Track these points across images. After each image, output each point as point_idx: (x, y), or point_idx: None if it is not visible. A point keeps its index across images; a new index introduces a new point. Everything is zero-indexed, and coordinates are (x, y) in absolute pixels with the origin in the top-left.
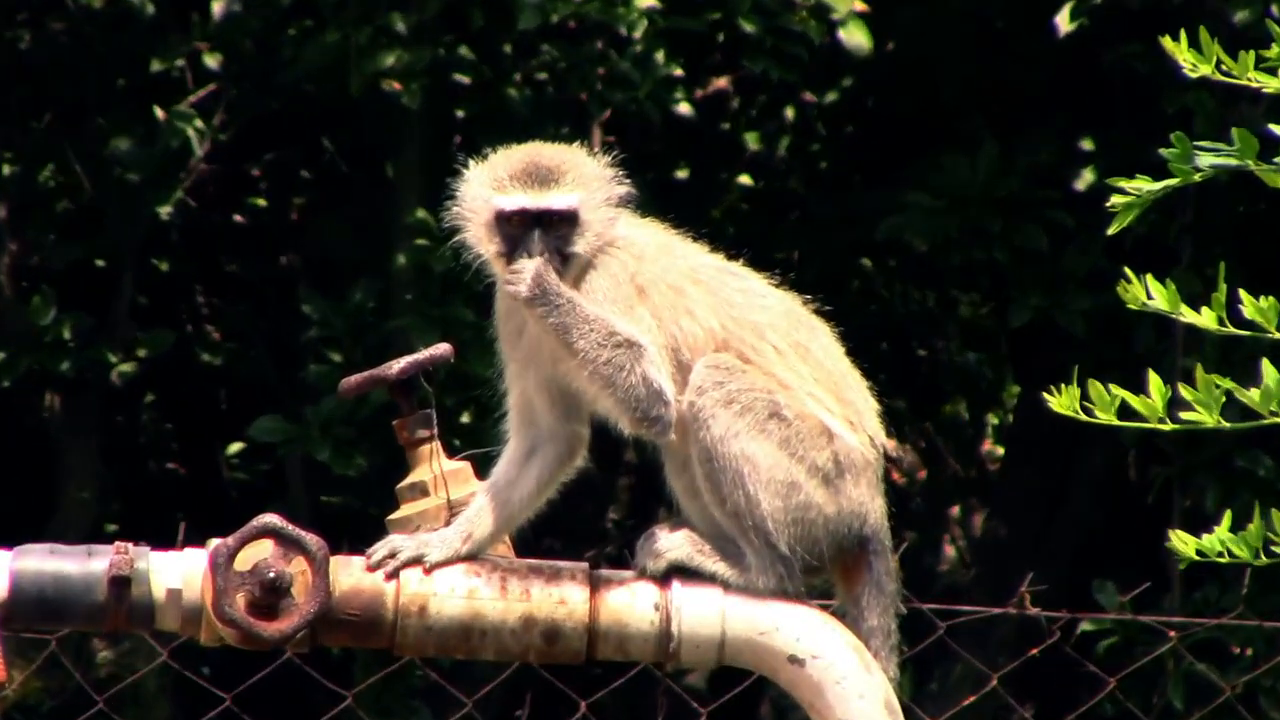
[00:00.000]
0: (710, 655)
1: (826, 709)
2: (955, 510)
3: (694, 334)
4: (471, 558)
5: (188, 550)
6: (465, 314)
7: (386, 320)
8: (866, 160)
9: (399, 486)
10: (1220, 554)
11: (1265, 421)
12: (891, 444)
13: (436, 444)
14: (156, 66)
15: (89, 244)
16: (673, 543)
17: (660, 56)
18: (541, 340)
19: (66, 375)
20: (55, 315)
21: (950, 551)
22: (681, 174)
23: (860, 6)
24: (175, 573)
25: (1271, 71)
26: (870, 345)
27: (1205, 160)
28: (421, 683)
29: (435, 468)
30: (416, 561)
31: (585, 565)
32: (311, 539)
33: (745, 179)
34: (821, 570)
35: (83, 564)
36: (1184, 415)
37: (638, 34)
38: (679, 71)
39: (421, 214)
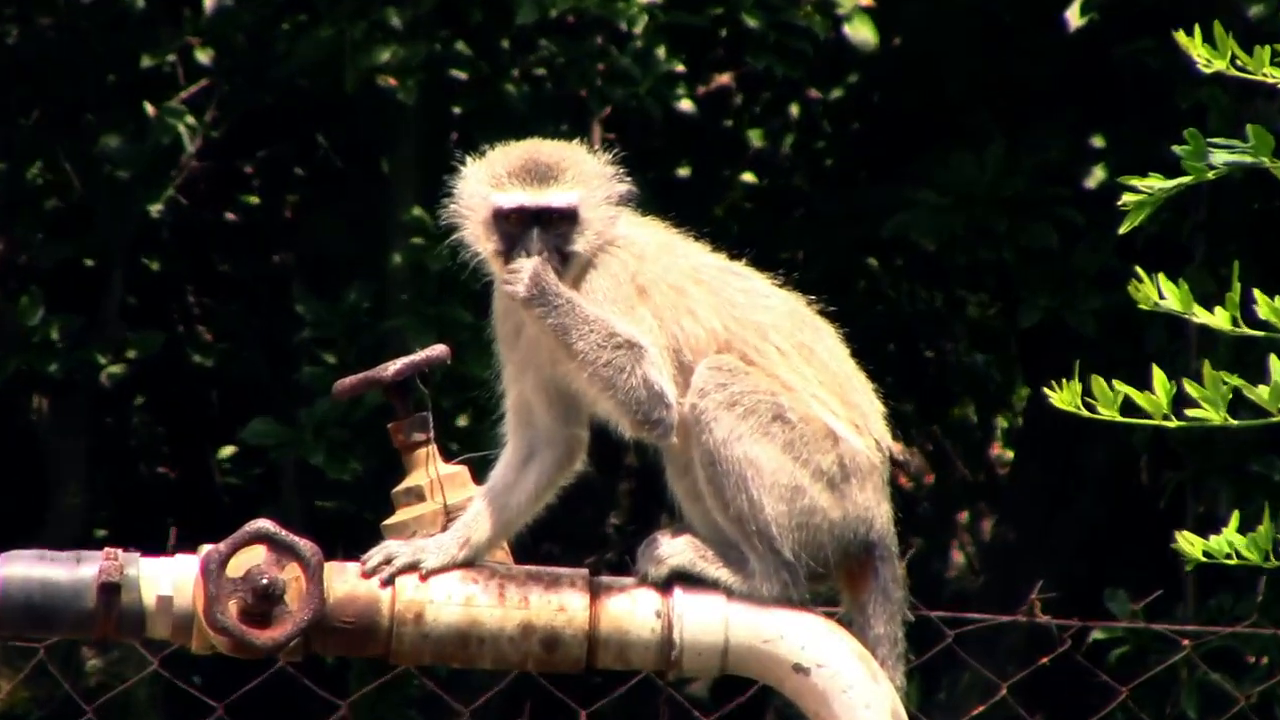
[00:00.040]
0: (713, 663)
1: (832, 719)
2: (963, 515)
3: (696, 335)
4: (469, 564)
5: (179, 556)
6: (462, 314)
7: (382, 321)
8: (872, 158)
9: (394, 491)
10: (1228, 555)
11: (1274, 419)
12: (898, 447)
13: (433, 447)
14: (147, 62)
15: (78, 243)
16: (674, 548)
17: (661, 52)
18: (540, 341)
19: (55, 377)
20: (43, 315)
21: (958, 557)
22: (683, 172)
23: (866, 1)
24: (166, 579)
25: None
26: (876, 346)
27: (1219, 157)
28: (418, 692)
29: (431, 472)
30: (412, 568)
31: (585, 571)
32: (305, 545)
33: (748, 177)
34: (826, 577)
35: (71, 570)
36: (1190, 412)
37: (638, 29)
38: (680, 67)
39: (418, 212)
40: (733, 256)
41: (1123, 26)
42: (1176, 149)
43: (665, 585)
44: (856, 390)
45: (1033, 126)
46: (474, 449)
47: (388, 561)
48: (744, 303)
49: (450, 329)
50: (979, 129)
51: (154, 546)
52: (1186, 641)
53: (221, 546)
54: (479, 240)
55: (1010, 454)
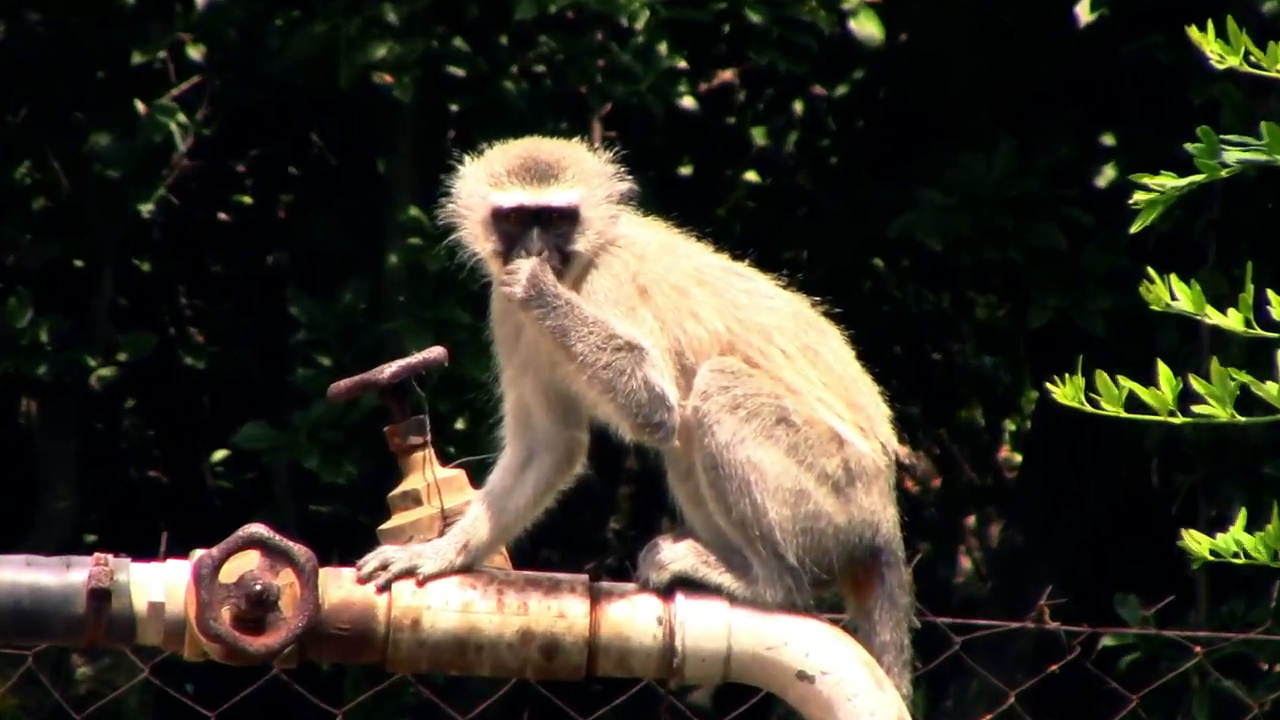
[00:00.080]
0: (715, 671)
1: None
2: (971, 520)
3: (698, 337)
4: (467, 569)
5: (170, 562)
6: (460, 316)
7: (378, 322)
8: (878, 156)
9: (391, 495)
10: (1236, 554)
11: None
12: (904, 451)
13: (430, 451)
14: (137, 59)
15: (67, 243)
16: (676, 554)
17: (663, 48)
18: (539, 343)
19: (44, 379)
20: (32, 317)
21: (966, 563)
22: (685, 170)
23: None
24: (157, 585)
25: None
26: (882, 348)
27: (1232, 155)
28: (414, 700)
29: (428, 476)
30: (409, 573)
31: (585, 577)
32: (299, 550)
33: (751, 175)
34: (831, 582)
35: (61, 576)
36: (1196, 409)
37: (639, 24)
38: (682, 64)
39: (414, 211)
40: (736, 257)
41: (1133, 22)
42: (1189, 146)
43: (667, 591)
44: (862, 393)
45: (1041, 124)
46: (472, 452)
47: (384, 567)
48: (747, 304)
49: (448, 331)
50: (986, 127)
51: (145, 552)
52: (1198, 648)
53: (214, 552)
54: (477, 240)
55: (1019, 457)
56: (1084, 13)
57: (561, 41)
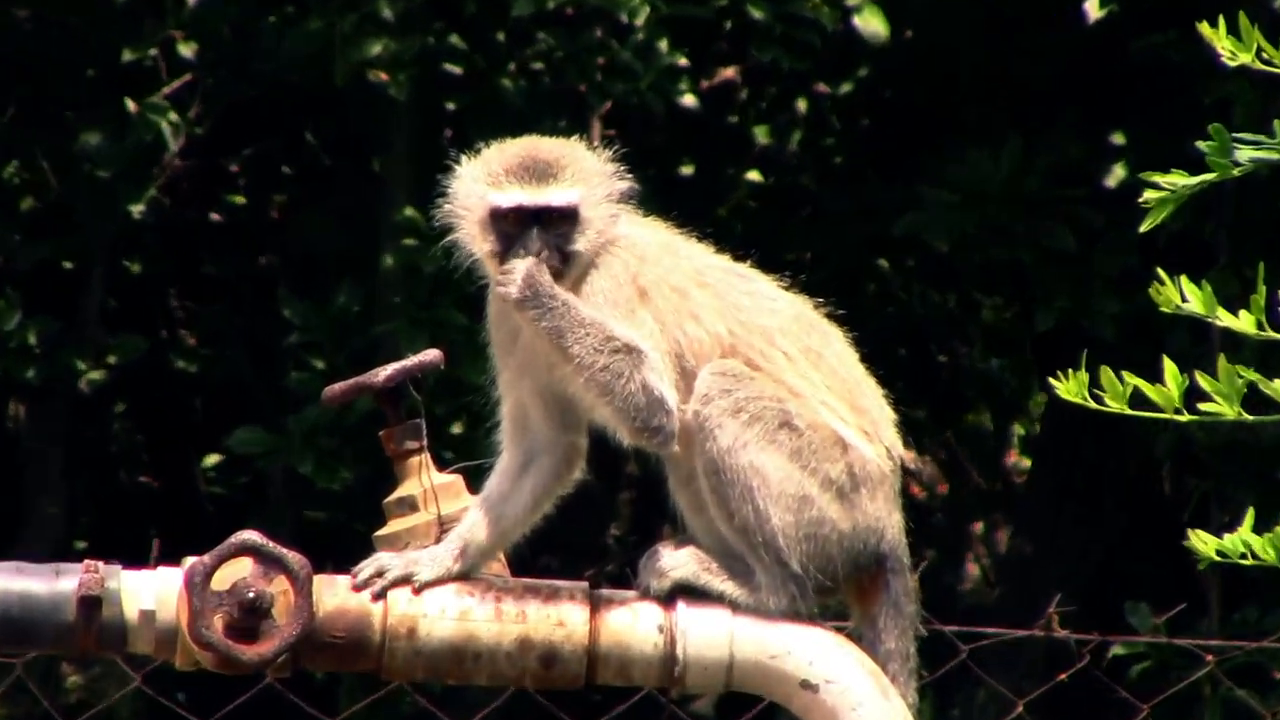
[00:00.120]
0: (718, 680)
1: None
2: (978, 526)
3: (699, 339)
4: (464, 577)
5: (162, 569)
6: (457, 317)
7: (373, 324)
8: (883, 154)
9: (386, 501)
10: (1243, 555)
11: None
12: (910, 455)
13: (426, 456)
14: (128, 56)
15: (56, 244)
16: (678, 560)
17: (663, 45)
18: (536, 346)
19: (32, 383)
20: (20, 319)
21: (973, 570)
22: (686, 170)
23: None
24: (148, 593)
25: None
26: (887, 350)
27: (1244, 154)
28: (410, 709)
29: (425, 481)
30: (405, 581)
31: (585, 584)
32: (293, 557)
33: (754, 175)
34: (836, 590)
35: (50, 583)
36: (1203, 406)
37: (639, 21)
38: (683, 61)
39: (410, 211)
40: (737, 258)
41: (1143, 19)
42: (1200, 144)
43: (668, 599)
44: (866, 396)
45: (1049, 123)
46: (469, 457)
47: (380, 574)
48: (749, 306)
49: (444, 333)
50: (993, 125)
51: (136, 558)
52: (1210, 657)
53: (206, 559)
54: (474, 241)
55: (1027, 462)
56: (1093, 9)
57: (560, 38)
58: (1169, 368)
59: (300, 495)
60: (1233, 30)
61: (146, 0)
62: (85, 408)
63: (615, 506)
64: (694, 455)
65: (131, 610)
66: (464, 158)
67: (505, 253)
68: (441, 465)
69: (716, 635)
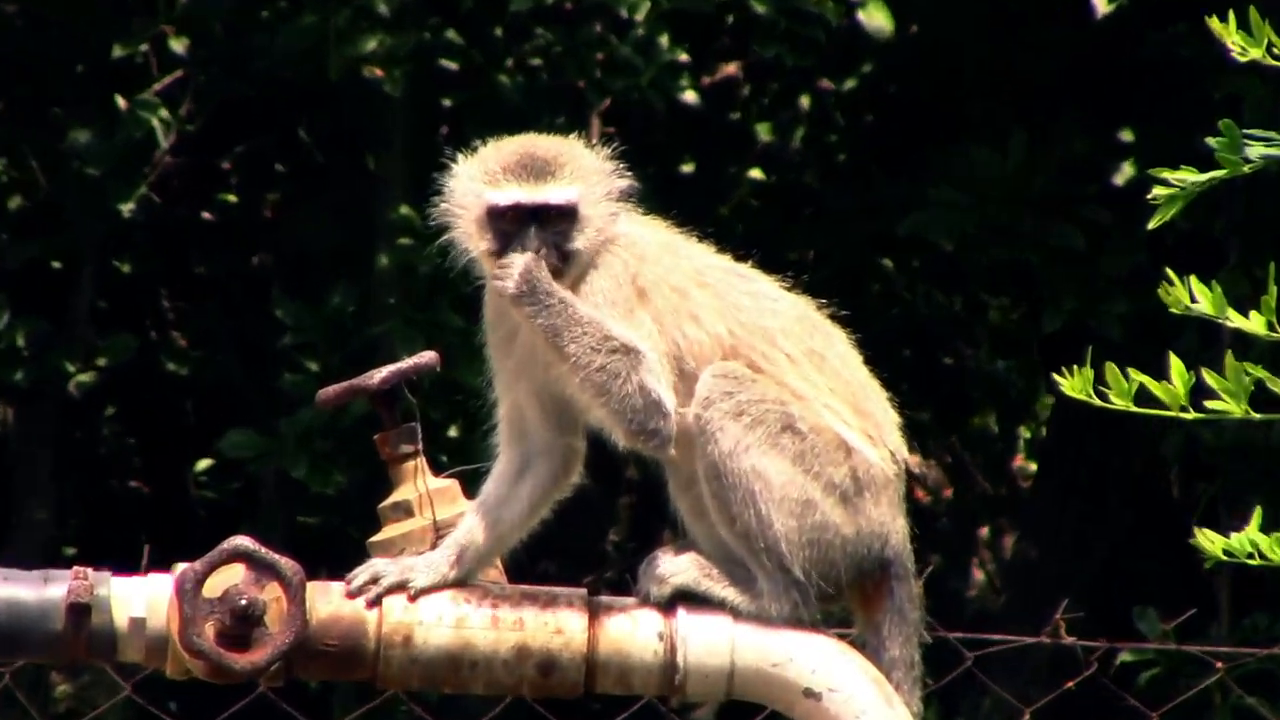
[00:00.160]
0: (719, 688)
1: None
2: (984, 531)
3: (699, 341)
4: (460, 583)
5: (152, 575)
6: (453, 319)
7: (368, 326)
8: (887, 152)
9: (381, 506)
10: (1250, 555)
11: None
12: (914, 459)
13: (421, 460)
14: (119, 52)
15: (45, 243)
16: (678, 566)
17: (664, 40)
18: (534, 347)
19: (21, 385)
20: (9, 320)
21: (978, 575)
22: (687, 168)
23: None
24: (139, 600)
25: None
26: (891, 352)
27: (1255, 151)
28: (406, 718)
29: (420, 486)
30: (400, 587)
31: (583, 591)
32: (286, 563)
33: (756, 173)
34: (839, 596)
35: (38, 590)
36: (1209, 404)
37: (640, 16)
38: (684, 57)
39: (406, 210)
40: (738, 257)
41: (1152, 13)
42: (1210, 141)
43: (668, 605)
44: (870, 399)
45: (1057, 119)
46: (465, 461)
47: (374, 581)
48: (750, 306)
49: (440, 334)
50: (1000, 122)
51: (126, 565)
52: (1220, 664)
53: (197, 565)
54: (471, 240)
55: (1033, 466)
56: (1101, 3)
57: (559, 34)
58: (1175, 365)
59: (293, 500)
60: (1243, 25)
61: None
62: (74, 410)
63: (615, 511)
64: (695, 459)
65: (121, 618)
66: (461, 155)
67: (503, 252)
68: (437, 469)
69: (717, 642)
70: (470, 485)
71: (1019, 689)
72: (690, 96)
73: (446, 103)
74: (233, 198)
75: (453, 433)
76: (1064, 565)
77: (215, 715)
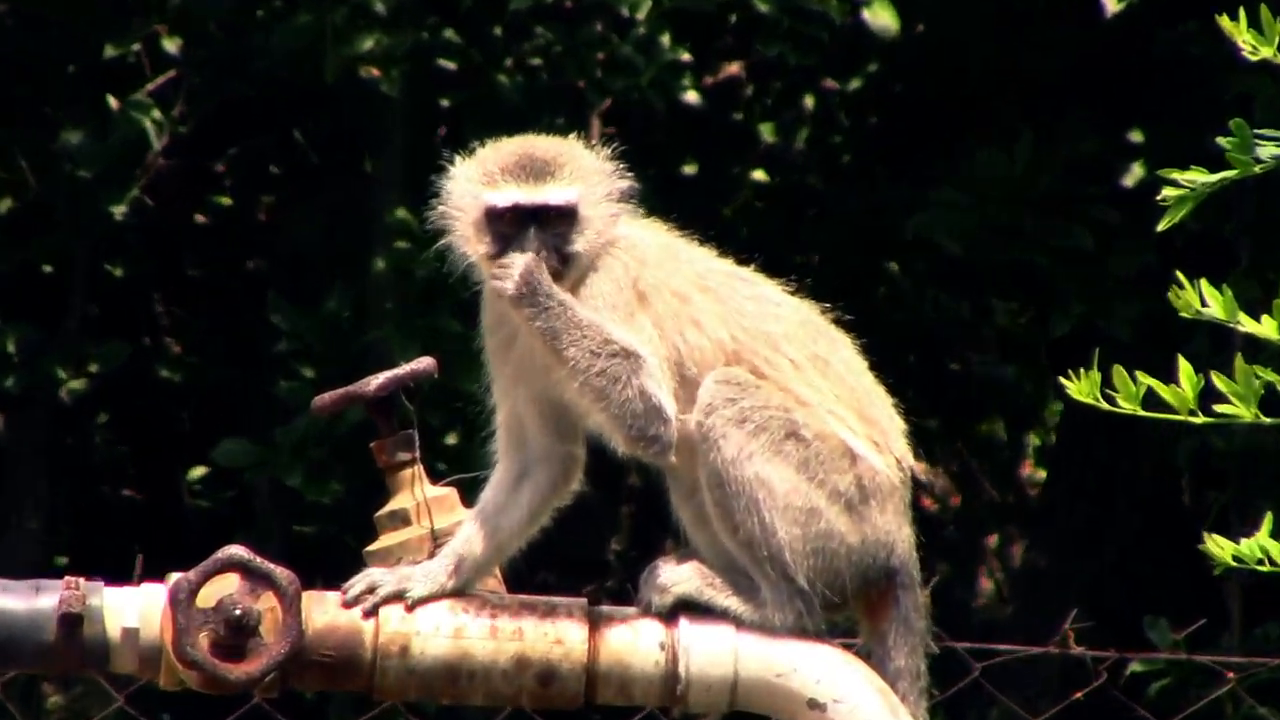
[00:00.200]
0: (721, 698)
1: None
2: (992, 539)
3: (701, 346)
4: (458, 593)
5: (145, 585)
6: (451, 324)
7: (364, 331)
8: (893, 153)
9: (378, 514)
10: (1260, 561)
11: None
12: (921, 466)
13: (419, 468)
14: (110, 52)
15: (36, 245)
16: (680, 575)
17: (665, 40)
18: (533, 353)
19: (12, 392)
20: None
21: (986, 585)
22: (689, 169)
23: None
24: (132, 610)
25: None
26: (897, 357)
27: (1267, 151)
28: None
29: (417, 494)
30: (397, 597)
31: (584, 601)
32: (281, 573)
33: (759, 174)
34: (844, 605)
35: (29, 600)
36: (1219, 408)
37: (641, 15)
38: (686, 56)
39: (403, 213)
40: (741, 261)
41: (1162, 11)
42: (1221, 140)
43: (670, 615)
44: (876, 405)
45: (1065, 119)
46: (463, 469)
47: (371, 590)
48: (753, 311)
49: (438, 340)
50: (1008, 122)
51: (119, 574)
52: (1231, 674)
53: (191, 575)
54: (469, 243)
55: (1042, 473)
56: (1111, 2)
57: (559, 33)
58: (1184, 368)
59: (289, 509)
60: (1254, 23)
61: None
62: (66, 417)
63: (615, 520)
64: (697, 467)
65: (114, 628)
66: (458, 157)
67: (501, 255)
68: (435, 477)
69: (720, 652)
70: (469, 493)
71: (1027, 700)
72: (692, 96)
73: (444, 103)
74: (227, 200)
75: (451, 440)
76: (1073, 574)
77: None
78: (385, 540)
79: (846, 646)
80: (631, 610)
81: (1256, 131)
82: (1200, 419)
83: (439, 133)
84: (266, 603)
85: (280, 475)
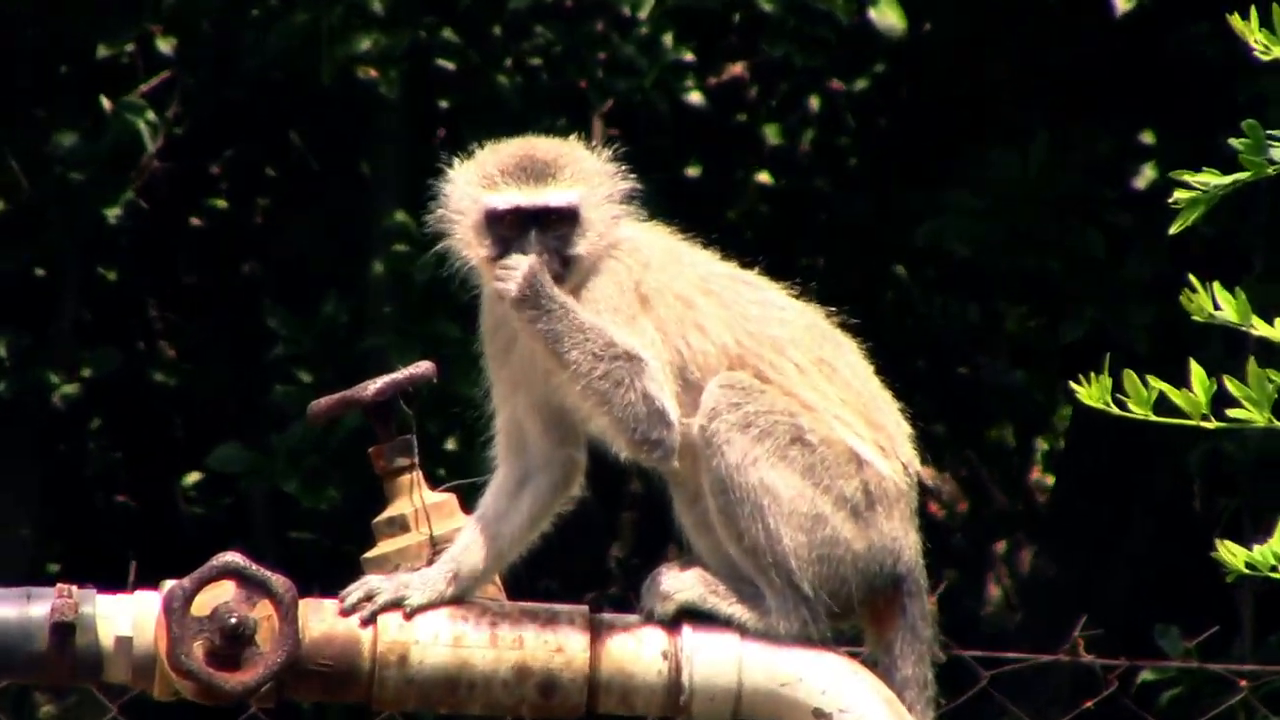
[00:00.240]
0: (726, 708)
1: None
2: (1000, 546)
3: (704, 350)
4: (457, 600)
5: (139, 593)
6: (450, 329)
7: (361, 336)
8: (901, 156)
9: (376, 521)
10: (1274, 568)
11: None
12: (928, 472)
13: (417, 474)
14: (103, 52)
15: (28, 248)
16: (683, 583)
17: (668, 39)
18: (533, 356)
19: (3, 397)
20: None
21: (995, 592)
22: (692, 172)
23: None
24: (125, 618)
25: None
26: (905, 363)
27: None
28: None
29: (416, 500)
30: (396, 605)
31: (585, 609)
32: (278, 580)
33: (764, 177)
34: (850, 613)
35: (21, 608)
36: (1231, 413)
37: (643, 14)
38: (690, 56)
39: (401, 217)
40: (746, 264)
41: (1175, 11)
42: (1234, 142)
43: (673, 623)
44: (882, 410)
45: (1077, 121)
46: (463, 475)
47: (369, 598)
48: (758, 315)
49: (436, 344)
50: (1020, 124)
51: (112, 582)
52: (1244, 682)
53: (186, 582)
54: (469, 247)
55: (1051, 479)
56: (1121, 1)
57: (559, 32)
58: (1196, 372)
59: (285, 515)
60: (1265, 23)
61: None
62: (58, 423)
63: (617, 527)
64: (700, 472)
65: (107, 637)
66: (457, 159)
67: (502, 258)
68: (434, 484)
69: (724, 662)
70: (468, 499)
71: (1036, 709)
72: (696, 98)
73: (443, 104)
74: (222, 203)
75: (450, 446)
76: (1083, 581)
77: None
78: (383, 547)
79: (853, 655)
80: (634, 618)
81: (1270, 133)
82: (1213, 424)
83: (438, 134)
84: (263, 611)
85: (276, 482)
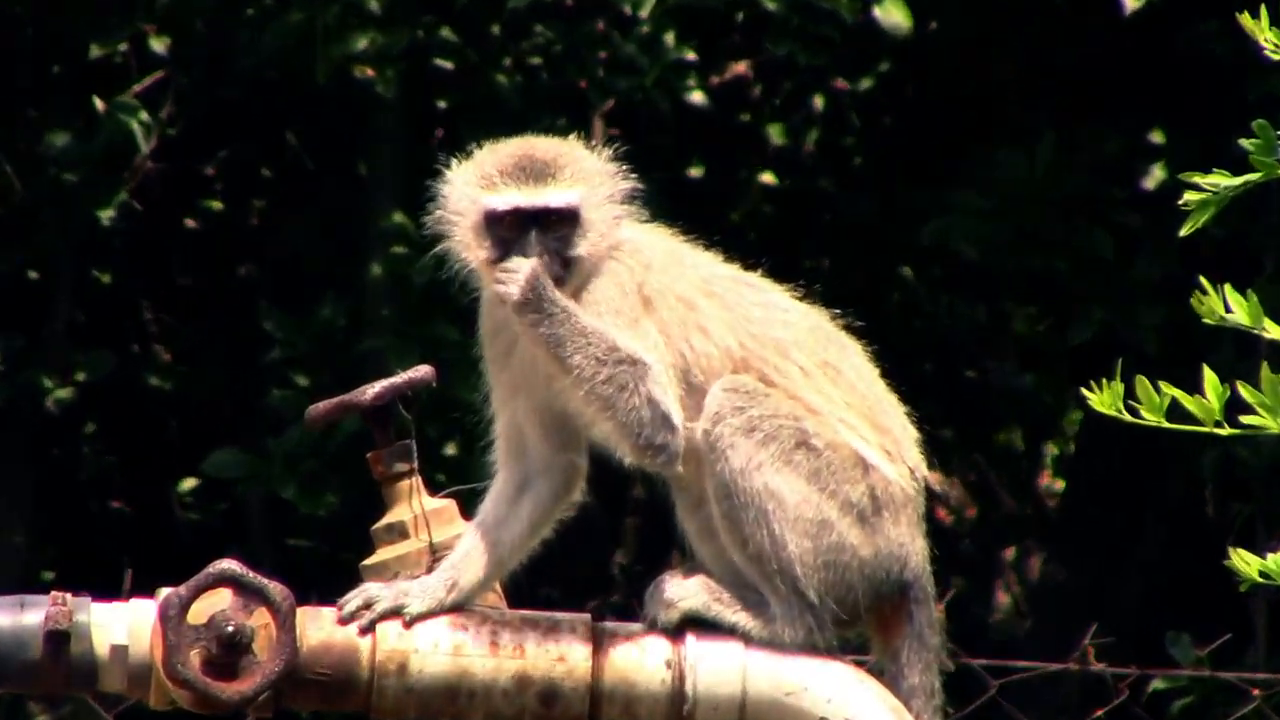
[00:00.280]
0: (730, 717)
1: None
2: (1009, 552)
3: (707, 353)
4: (457, 608)
5: (134, 601)
6: (449, 332)
7: (359, 339)
8: (907, 156)
9: (374, 528)
10: None
11: None
12: (935, 477)
13: (417, 479)
14: (96, 51)
15: (21, 250)
16: (686, 590)
17: (670, 38)
18: (533, 361)
19: None
20: None
21: (1003, 599)
22: (695, 172)
23: None
24: (120, 626)
25: None
26: (912, 365)
27: None
28: None
29: (415, 506)
30: (395, 613)
31: (587, 617)
32: (275, 588)
33: (768, 177)
34: (856, 621)
35: (14, 617)
36: (1245, 419)
37: (644, 12)
38: (692, 55)
39: (399, 218)
40: (749, 266)
41: (1184, 10)
42: (1244, 142)
43: (676, 631)
44: (888, 413)
45: (1085, 121)
46: (462, 480)
47: (367, 606)
48: (761, 318)
49: (435, 348)
50: (1027, 124)
51: (107, 590)
52: (1257, 691)
53: (182, 590)
54: (468, 248)
55: (1061, 484)
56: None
57: (559, 31)
58: (1209, 378)
59: (282, 522)
60: (1275, 22)
61: None
62: (52, 428)
63: (620, 533)
64: (704, 477)
65: (102, 645)
66: (456, 159)
67: (502, 260)
68: (433, 489)
69: (728, 670)
70: (468, 505)
71: (1046, 718)
72: (698, 97)
73: (441, 104)
74: (217, 205)
75: (450, 451)
76: (1093, 588)
77: None
78: (382, 554)
79: (859, 664)
80: (636, 626)
81: None
82: (1226, 431)
83: (436, 135)
84: (260, 619)
85: (273, 487)
